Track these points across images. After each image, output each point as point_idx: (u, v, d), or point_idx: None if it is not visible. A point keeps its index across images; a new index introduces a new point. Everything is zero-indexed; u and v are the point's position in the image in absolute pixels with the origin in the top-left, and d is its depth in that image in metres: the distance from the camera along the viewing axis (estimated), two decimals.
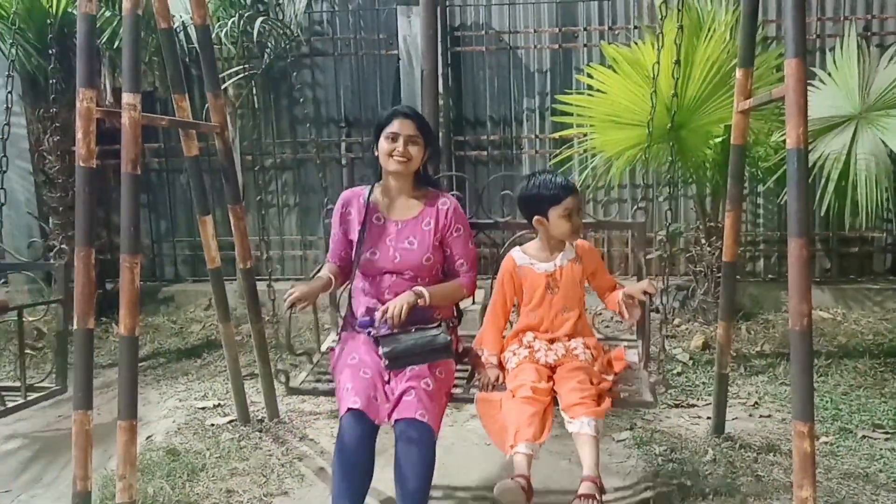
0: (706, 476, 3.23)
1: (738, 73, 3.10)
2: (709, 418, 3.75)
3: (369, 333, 2.80)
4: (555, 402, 2.67)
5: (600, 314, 4.74)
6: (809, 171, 4.57)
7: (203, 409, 4.15)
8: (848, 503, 2.99)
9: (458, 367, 2.97)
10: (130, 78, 2.61)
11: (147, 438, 3.80)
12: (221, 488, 3.23)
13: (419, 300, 2.76)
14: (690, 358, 4.68)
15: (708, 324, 5.16)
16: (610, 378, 2.82)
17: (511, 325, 3.07)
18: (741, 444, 3.50)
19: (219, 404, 4.18)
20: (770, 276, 5.96)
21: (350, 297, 3.02)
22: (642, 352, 3.00)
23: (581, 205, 2.85)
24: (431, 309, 2.84)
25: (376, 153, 2.91)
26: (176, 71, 3.34)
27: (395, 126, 2.83)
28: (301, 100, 6.18)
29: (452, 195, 3.04)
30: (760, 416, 3.89)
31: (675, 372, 4.51)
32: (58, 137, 5.50)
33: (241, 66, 5.20)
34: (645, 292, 2.76)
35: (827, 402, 3.98)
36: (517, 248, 2.98)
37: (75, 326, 2.65)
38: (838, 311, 5.42)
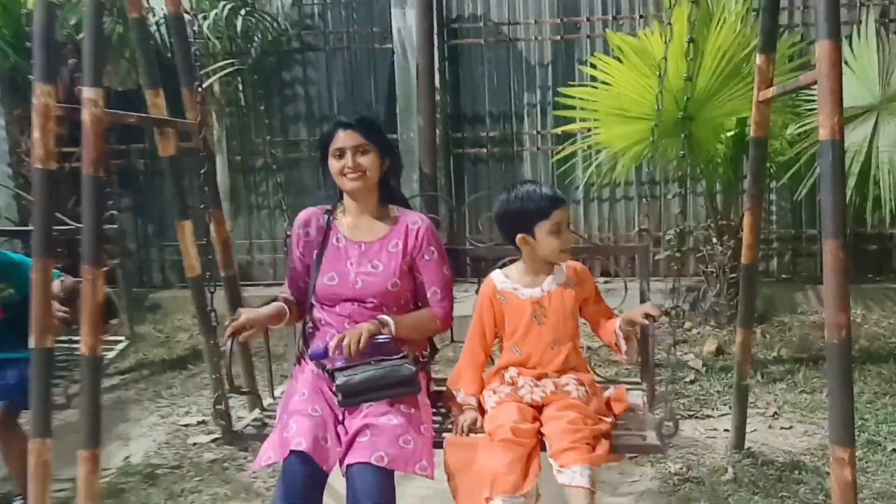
0: (727, 497, 3.00)
1: (759, 59, 2.85)
2: (726, 430, 3.53)
3: (323, 367, 2.38)
4: (541, 446, 2.24)
5: (597, 351, 4.24)
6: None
7: (186, 426, 3.91)
8: None
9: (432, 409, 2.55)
10: (91, 70, 2.38)
11: (125, 459, 3.56)
12: None
13: (382, 329, 2.36)
14: (703, 364, 4.43)
15: (720, 327, 4.91)
16: (609, 420, 2.38)
17: (493, 362, 2.64)
18: (763, 461, 3.27)
19: (203, 421, 3.93)
20: (784, 275, 5.68)
21: (304, 328, 2.62)
22: (647, 393, 2.57)
23: (570, 219, 2.47)
24: (398, 342, 2.39)
25: (330, 173, 2.51)
26: (149, 64, 3.11)
27: (338, 140, 2.44)
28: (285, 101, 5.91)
29: (430, 217, 2.64)
30: (781, 429, 3.66)
31: (687, 380, 4.26)
32: None
33: (228, 62, 4.94)
34: (647, 315, 2.31)
35: None
36: (498, 270, 2.54)
37: (32, 345, 2.42)
38: (857, 312, 5.16)
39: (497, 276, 2.51)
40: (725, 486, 3.08)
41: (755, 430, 3.60)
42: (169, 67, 3.27)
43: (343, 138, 2.44)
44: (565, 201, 2.42)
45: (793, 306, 5.23)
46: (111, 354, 3.46)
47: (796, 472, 3.17)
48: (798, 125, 4.44)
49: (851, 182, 4.25)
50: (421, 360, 2.56)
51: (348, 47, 5.91)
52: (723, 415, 3.78)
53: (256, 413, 2.67)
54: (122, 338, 3.70)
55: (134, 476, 3.34)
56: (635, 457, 3.35)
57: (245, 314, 2.36)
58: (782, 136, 4.53)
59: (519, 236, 2.40)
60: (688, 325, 5.05)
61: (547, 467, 2.19)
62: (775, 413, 3.82)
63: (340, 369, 2.26)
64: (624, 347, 2.41)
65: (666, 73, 2.97)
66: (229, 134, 5.77)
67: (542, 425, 2.28)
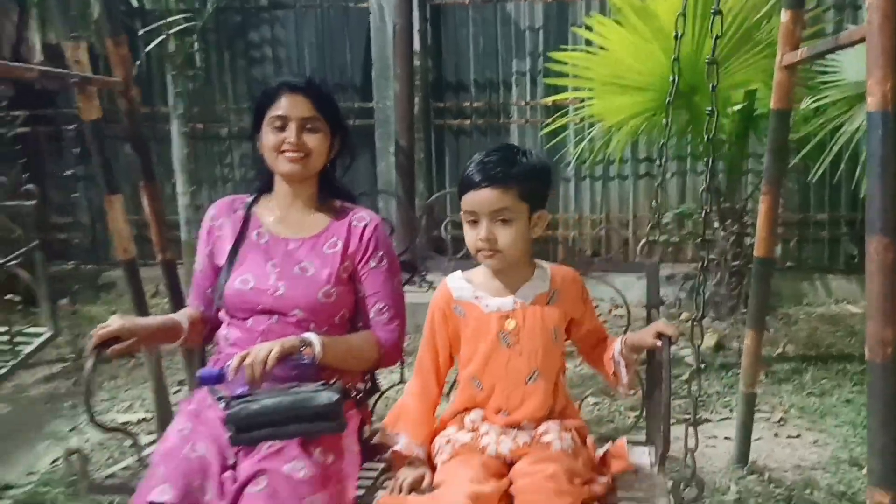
0: None
1: (784, 17, 2.44)
2: (727, 438, 3.17)
3: (218, 396, 1.80)
4: None
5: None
6: (846, 146, 3.94)
7: (125, 424, 3.49)
8: None
9: (369, 463, 1.99)
10: None
11: (52, 463, 3.16)
12: None
13: (304, 350, 1.76)
14: (702, 361, 4.04)
15: (720, 319, 4.53)
16: (603, 481, 1.79)
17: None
18: (770, 478, 2.89)
19: (144, 419, 3.52)
20: (789, 263, 5.29)
21: (203, 347, 2.11)
22: (656, 448, 1.95)
23: (504, 210, 1.70)
24: (326, 371, 1.82)
25: (259, 150, 1.97)
26: (65, 11, 2.65)
27: (281, 107, 1.89)
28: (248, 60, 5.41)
29: (374, 213, 2.08)
30: (788, 437, 3.29)
31: (683, 379, 3.87)
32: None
33: (179, 17, 4.45)
34: (660, 335, 1.78)
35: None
36: (457, 272, 1.91)
37: None
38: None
39: (454, 281, 1.88)
40: None
41: (760, 437, 3.23)
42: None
43: (288, 105, 1.89)
44: (491, 182, 1.68)
45: (798, 297, 4.86)
46: (28, 348, 3.04)
47: (808, 490, 2.81)
48: (812, 99, 4.01)
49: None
50: (354, 393, 1.99)
51: (321, 5, 5.42)
52: (723, 419, 3.44)
53: (130, 460, 2.18)
54: (42, 329, 3.28)
55: (58, 486, 2.94)
56: None
57: (118, 321, 1.78)
58: (795, 112, 4.10)
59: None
60: (684, 315, 4.67)
61: None
62: (781, 419, 3.46)
63: (238, 397, 1.68)
64: (625, 378, 1.86)
65: (667, 43, 2.59)
66: (191, 99, 5.29)
67: (511, 484, 1.70)
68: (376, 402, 2.16)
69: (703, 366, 4.02)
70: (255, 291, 1.90)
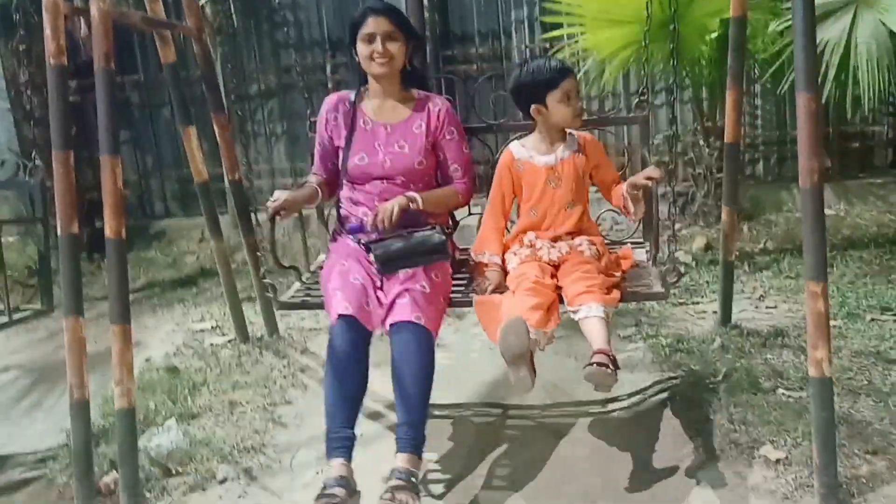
0: (715, 361, 3.20)
1: None
2: (714, 313, 3.71)
3: (359, 241, 2.63)
4: (560, 300, 2.46)
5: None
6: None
7: (201, 331, 4.10)
8: (860, 378, 2.95)
9: (456, 275, 2.76)
10: None
11: (146, 360, 3.74)
12: (224, 400, 3.20)
13: (411, 204, 2.54)
14: (693, 259, 4.61)
15: (709, 226, 5.08)
16: (618, 275, 2.63)
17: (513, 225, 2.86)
18: (749, 332, 3.46)
19: (216, 326, 4.13)
20: (770, 177, 5.84)
21: (338, 206, 2.83)
22: (651, 249, 2.82)
23: (579, 87, 2.65)
24: (424, 215, 2.63)
25: (357, 58, 2.65)
26: None
27: (369, 26, 2.57)
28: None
29: (445, 98, 2.82)
30: (767, 308, 3.85)
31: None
32: (34, 70, 5.31)
33: None
34: (649, 178, 2.46)
35: (833, 290, 3.89)
36: (516, 141, 2.76)
37: (59, 232, 2.59)
38: (841, 208, 5.34)
39: (514, 147, 2.73)
40: (713, 352, 3.28)
41: (743, 310, 3.79)
42: None
43: (373, 24, 2.56)
44: (572, 71, 2.61)
45: (778, 205, 5.39)
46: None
47: (780, 338, 3.37)
48: (778, 23, 4.53)
49: (831, 75, 4.35)
50: (447, 230, 2.76)
51: None
52: (711, 301, 3.96)
53: (297, 285, 2.90)
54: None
55: (157, 372, 3.53)
56: (630, 335, 3.57)
57: (283, 196, 2.53)
58: (763, 35, 4.62)
59: (533, 107, 2.60)
60: (678, 226, 5.18)
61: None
62: (761, 296, 4.00)
63: (375, 241, 2.49)
64: (631, 209, 2.61)
65: None
66: (223, 60, 5.82)
67: (559, 280, 2.52)
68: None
69: (694, 263, 4.59)
70: (370, 165, 2.67)
